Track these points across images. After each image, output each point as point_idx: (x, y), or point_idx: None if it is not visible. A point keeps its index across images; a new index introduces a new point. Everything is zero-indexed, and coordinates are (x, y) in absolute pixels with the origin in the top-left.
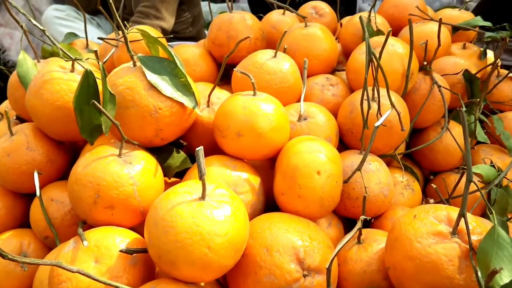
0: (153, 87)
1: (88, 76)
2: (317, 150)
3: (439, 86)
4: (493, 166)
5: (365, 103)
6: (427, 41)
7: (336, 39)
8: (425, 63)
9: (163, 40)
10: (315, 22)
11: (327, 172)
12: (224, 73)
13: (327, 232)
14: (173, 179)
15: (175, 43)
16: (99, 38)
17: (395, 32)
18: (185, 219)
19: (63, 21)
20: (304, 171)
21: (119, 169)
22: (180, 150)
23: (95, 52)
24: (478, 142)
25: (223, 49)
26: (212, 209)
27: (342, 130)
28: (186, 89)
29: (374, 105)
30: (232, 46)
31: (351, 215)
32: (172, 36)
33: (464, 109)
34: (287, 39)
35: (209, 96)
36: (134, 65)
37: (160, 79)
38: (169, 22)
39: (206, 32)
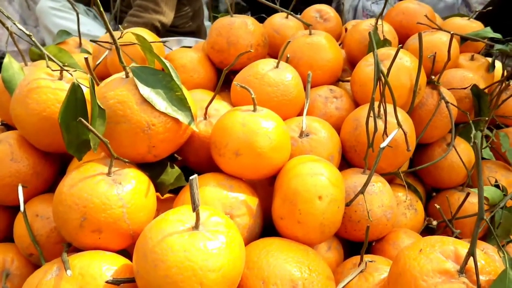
0: (146, 101)
1: (75, 90)
2: (319, 172)
3: (446, 102)
4: (498, 185)
5: (371, 121)
6: (435, 53)
7: (340, 44)
8: (433, 77)
9: (159, 46)
10: (319, 30)
11: (329, 197)
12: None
13: (326, 255)
14: (167, 195)
15: (173, 38)
16: (91, 41)
17: (402, 40)
18: (176, 253)
19: (58, 12)
20: (305, 195)
21: (108, 190)
22: (175, 165)
23: (86, 60)
24: (483, 158)
25: (223, 55)
26: (205, 240)
27: (345, 147)
28: (182, 103)
29: (380, 123)
30: (232, 52)
31: (352, 238)
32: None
33: (473, 132)
34: (290, 47)
35: (206, 108)
36: (127, 76)
37: (153, 93)
38: (168, 16)
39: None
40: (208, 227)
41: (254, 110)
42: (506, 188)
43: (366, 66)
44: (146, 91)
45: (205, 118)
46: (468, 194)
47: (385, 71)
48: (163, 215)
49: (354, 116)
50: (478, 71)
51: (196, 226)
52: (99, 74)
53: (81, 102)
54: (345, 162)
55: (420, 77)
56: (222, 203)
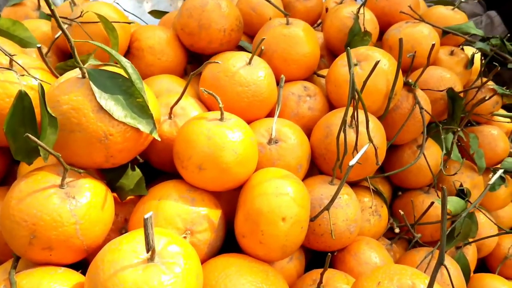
0: (103, 109)
1: (22, 99)
2: (284, 192)
3: (421, 108)
4: (463, 190)
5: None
6: (415, 52)
7: (319, 25)
8: (410, 80)
9: (123, 27)
10: (299, 8)
11: (293, 218)
12: (194, 59)
13: (288, 266)
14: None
15: None
16: (48, 15)
17: (384, 27)
18: None
19: None
20: (268, 217)
21: (60, 205)
22: (136, 167)
23: (39, 49)
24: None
25: (193, 38)
26: (160, 275)
27: (315, 153)
28: (143, 110)
29: (352, 134)
30: (203, 36)
31: (314, 248)
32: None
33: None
34: (265, 36)
35: (171, 108)
36: (83, 76)
37: (112, 100)
38: None
39: None
40: (164, 258)
41: (221, 119)
42: (470, 192)
43: (342, 66)
44: (104, 98)
45: (170, 118)
46: (432, 203)
47: (362, 76)
48: (117, 242)
49: (326, 122)
50: (457, 66)
51: (151, 258)
52: (59, 47)
53: (29, 111)
54: (315, 165)
55: (397, 82)
56: (182, 219)
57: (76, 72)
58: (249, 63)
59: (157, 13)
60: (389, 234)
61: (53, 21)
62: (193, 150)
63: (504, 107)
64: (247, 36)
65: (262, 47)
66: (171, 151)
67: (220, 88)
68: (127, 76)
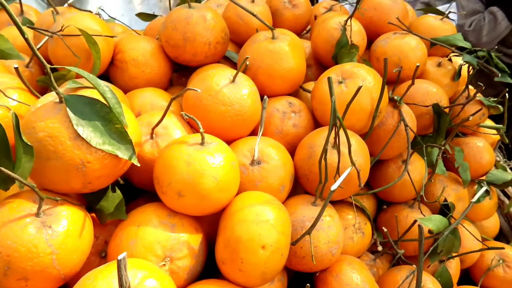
0: (81, 136)
1: None
2: (264, 219)
3: (406, 126)
4: (447, 205)
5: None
6: (401, 68)
7: (307, 32)
8: (395, 97)
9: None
10: (287, 16)
11: (273, 246)
12: (180, 67)
13: None
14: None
15: None
16: (28, 27)
17: (372, 36)
18: None
19: None
20: (247, 245)
21: (35, 236)
22: (116, 188)
23: (16, 69)
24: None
25: (178, 51)
26: None
27: (298, 173)
28: (122, 136)
29: (335, 155)
30: (188, 49)
31: (296, 269)
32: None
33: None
34: (250, 52)
35: (153, 129)
36: (60, 101)
37: (90, 127)
38: None
39: None
40: None
41: (202, 143)
42: (454, 206)
43: (327, 83)
44: (81, 125)
45: (151, 138)
46: (415, 221)
47: (346, 94)
48: (92, 277)
49: (309, 143)
50: (444, 78)
51: None
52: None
53: (2, 141)
54: (299, 184)
55: (382, 100)
56: (162, 246)
57: (53, 96)
58: (233, 81)
59: (145, 16)
60: (373, 247)
61: (38, 21)
62: (172, 177)
63: (491, 116)
64: (234, 44)
65: (247, 62)
66: (152, 171)
67: (203, 107)
68: (105, 102)
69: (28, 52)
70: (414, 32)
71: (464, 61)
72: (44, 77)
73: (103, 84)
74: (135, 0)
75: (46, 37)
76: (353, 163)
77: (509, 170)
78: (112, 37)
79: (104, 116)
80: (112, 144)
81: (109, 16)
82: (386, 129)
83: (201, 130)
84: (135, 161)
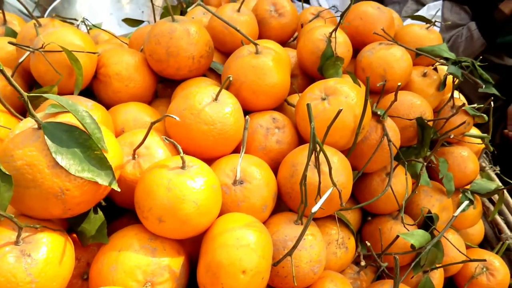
0: (59, 164)
1: None
2: (245, 244)
3: (389, 141)
4: (431, 217)
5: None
6: (385, 82)
7: (294, 39)
8: (378, 112)
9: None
10: (273, 24)
11: (253, 270)
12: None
13: None
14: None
15: None
16: (9, 42)
17: (358, 46)
18: None
19: None
20: (228, 270)
21: (14, 265)
22: (99, 209)
23: None
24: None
25: (161, 66)
26: None
27: (281, 191)
28: (102, 162)
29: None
30: (172, 64)
31: None
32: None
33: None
34: (233, 68)
35: (134, 150)
36: (39, 127)
37: (68, 153)
38: None
39: None
40: None
41: (183, 167)
42: (438, 217)
43: (311, 100)
44: (60, 153)
45: (133, 158)
46: (397, 237)
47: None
48: None
49: (292, 161)
50: (429, 88)
51: None
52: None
53: None
54: (282, 201)
55: (365, 117)
56: (143, 271)
57: (32, 122)
58: (216, 99)
59: (131, 22)
60: (358, 259)
61: (18, 40)
62: (153, 202)
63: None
64: (220, 53)
65: (230, 78)
66: (135, 191)
67: (185, 126)
68: (84, 128)
69: (11, 64)
70: (400, 41)
71: (449, 72)
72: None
73: (81, 109)
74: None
75: (26, 54)
76: (334, 184)
77: (494, 176)
78: (94, 53)
79: (83, 143)
80: (91, 170)
81: (93, 26)
82: (370, 144)
83: (181, 154)
84: (115, 187)
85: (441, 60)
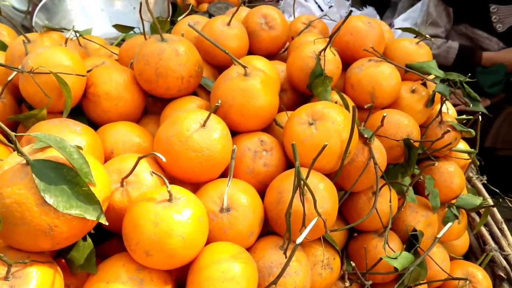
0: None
1: None
2: (230, 277)
3: (375, 164)
4: (416, 235)
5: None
6: (373, 103)
7: (284, 51)
8: (365, 135)
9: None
10: (264, 37)
11: None
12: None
13: None
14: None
15: None
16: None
17: (348, 60)
18: None
19: None
20: None
21: None
22: (87, 237)
23: None
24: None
25: (151, 85)
26: None
27: (268, 216)
28: (89, 198)
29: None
30: (161, 84)
31: None
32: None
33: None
34: (222, 90)
35: (123, 179)
36: (27, 163)
37: (56, 191)
38: None
39: None
40: None
41: (170, 200)
42: (422, 233)
43: (298, 124)
44: (48, 191)
45: (122, 186)
46: (380, 259)
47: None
48: None
49: (278, 187)
50: (418, 104)
51: None
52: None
53: None
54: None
55: (351, 142)
56: None
57: (19, 159)
58: (204, 125)
59: (122, 28)
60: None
61: (6, 56)
62: (140, 236)
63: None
64: (210, 66)
65: (219, 101)
66: (123, 218)
67: (174, 153)
68: (72, 163)
69: (1, 78)
70: (390, 56)
71: (437, 91)
72: (15, 116)
73: (69, 145)
74: None
75: (14, 73)
76: (319, 214)
77: (480, 186)
78: (83, 75)
79: (71, 180)
80: (79, 206)
81: (84, 38)
82: (356, 166)
83: (168, 188)
84: (103, 221)
85: (430, 78)
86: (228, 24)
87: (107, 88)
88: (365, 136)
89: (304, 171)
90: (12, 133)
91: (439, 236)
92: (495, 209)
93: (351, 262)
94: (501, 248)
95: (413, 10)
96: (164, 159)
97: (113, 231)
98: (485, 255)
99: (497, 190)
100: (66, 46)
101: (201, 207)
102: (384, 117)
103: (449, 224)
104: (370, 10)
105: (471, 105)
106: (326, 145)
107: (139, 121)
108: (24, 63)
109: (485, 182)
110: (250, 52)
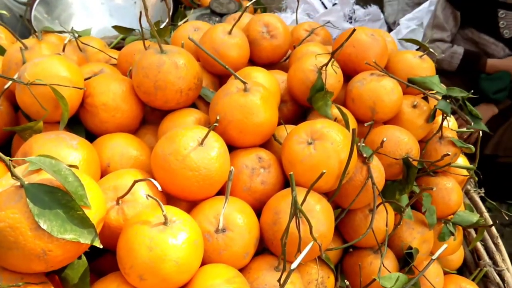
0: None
1: None
2: None
3: (373, 184)
4: (411, 253)
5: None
6: (372, 122)
7: (286, 59)
8: (364, 154)
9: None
10: (265, 45)
11: None
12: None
13: None
14: None
15: None
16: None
17: (350, 72)
18: None
19: None
20: None
21: None
22: (82, 255)
23: None
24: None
25: (149, 97)
26: None
27: (264, 236)
28: (84, 221)
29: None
30: (159, 97)
31: None
32: None
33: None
34: (221, 105)
35: (118, 199)
36: (22, 185)
37: (51, 215)
38: None
39: None
40: None
41: (165, 223)
42: (418, 251)
43: (297, 143)
44: (42, 215)
45: (117, 204)
46: (373, 280)
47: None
48: None
49: (275, 208)
50: (419, 119)
51: None
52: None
53: None
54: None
55: (350, 163)
56: None
57: (13, 181)
58: (201, 143)
59: (121, 29)
60: None
61: (3, 62)
62: (134, 260)
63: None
64: (210, 74)
65: (218, 117)
66: (119, 236)
67: (171, 171)
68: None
69: None
70: (392, 69)
71: (438, 108)
72: (11, 128)
73: (64, 168)
74: None
75: (9, 83)
76: (314, 239)
77: (478, 199)
78: (80, 88)
79: (65, 204)
80: (74, 230)
81: (82, 43)
82: (355, 185)
83: (164, 212)
84: (97, 244)
85: (431, 94)
86: (229, 32)
87: (104, 99)
88: (364, 155)
89: (301, 192)
90: (7, 158)
91: (434, 257)
92: (490, 223)
93: (345, 281)
94: (495, 263)
95: (419, 10)
96: (159, 188)
97: (108, 248)
98: (479, 270)
99: (494, 203)
100: (64, 51)
101: (197, 229)
102: (383, 141)
103: (444, 246)
104: (374, 8)
105: (472, 123)
106: (324, 172)
107: (137, 131)
108: (20, 73)
109: (483, 195)
110: (251, 60)
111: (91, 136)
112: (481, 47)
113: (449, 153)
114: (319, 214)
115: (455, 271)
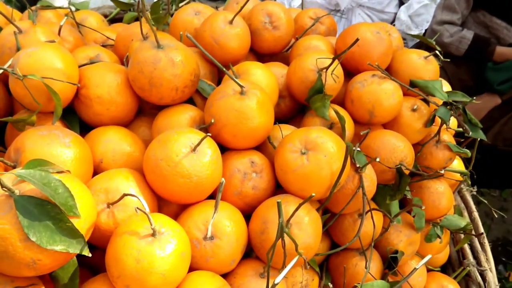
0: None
1: None
2: None
3: (364, 195)
4: (396, 257)
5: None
6: (369, 129)
7: (288, 49)
8: (358, 164)
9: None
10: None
11: None
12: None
13: None
14: None
15: None
16: None
17: (352, 70)
18: None
19: None
20: None
21: None
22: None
23: None
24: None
25: (144, 93)
26: None
27: (252, 242)
28: (73, 232)
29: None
30: (154, 94)
31: None
32: None
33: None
34: (216, 106)
35: (109, 204)
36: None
37: (40, 226)
38: None
39: None
40: None
41: (154, 234)
42: (403, 253)
43: (290, 152)
44: (31, 227)
45: (108, 207)
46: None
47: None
48: None
49: (264, 216)
50: (417, 122)
51: None
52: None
53: None
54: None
55: (342, 175)
56: None
57: (3, 192)
58: (194, 150)
59: (120, 4)
60: None
61: None
62: (121, 271)
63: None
64: (208, 63)
65: (212, 120)
66: (109, 240)
67: (162, 176)
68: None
69: None
70: (395, 69)
71: (438, 115)
72: (4, 118)
73: (53, 179)
74: None
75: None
76: (299, 254)
77: (469, 198)
78: (75, 84)
79: (54, 216)
80: (63, 241)
81: (79, 24)
82: (346, 193)
83: (153, 226)
84: (86, 253)
85: (432, 99)
86: (231, 22)
87: (99, 92)
88: (358, 165)
89: (291, 201)
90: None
91: (417, 267)
92: (478, 223)
93: (329, 284)
94: (478, 263)
95: None
96: (148, 209)
97: (99, 247)
98: (461, 268)
99: (485, 201)
100: (60, 33)
101: (185, 240)
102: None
103: (428, 256)
104: None
105: (470, 132)
106: (313, 195)
107: (132, 122)
108: (13, 63)
109: (475, 193)
110: (252, 49)
111: (85, 126)
112: (492, 31)
113: (442, 173)
114: (307, 226)
115: (438, 269)
